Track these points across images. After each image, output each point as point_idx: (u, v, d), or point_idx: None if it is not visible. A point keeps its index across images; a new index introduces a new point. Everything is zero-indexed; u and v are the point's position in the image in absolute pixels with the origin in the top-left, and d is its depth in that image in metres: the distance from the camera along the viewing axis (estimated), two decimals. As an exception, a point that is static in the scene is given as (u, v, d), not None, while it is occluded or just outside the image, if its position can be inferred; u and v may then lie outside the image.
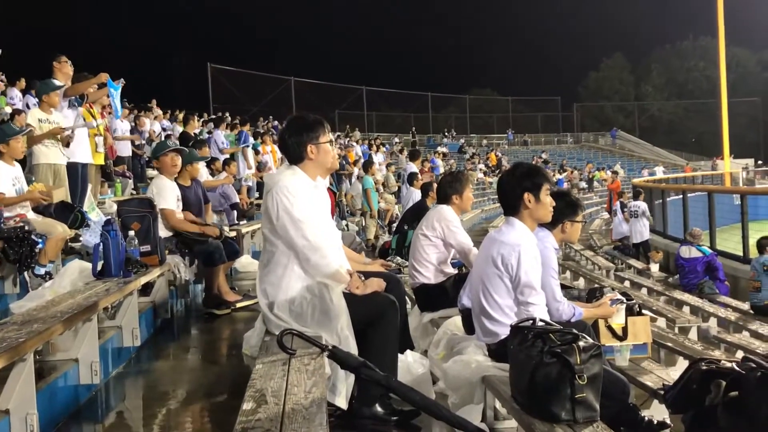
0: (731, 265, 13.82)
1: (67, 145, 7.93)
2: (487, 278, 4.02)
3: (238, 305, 7.32)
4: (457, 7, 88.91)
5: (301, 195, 3.99)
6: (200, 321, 7.22)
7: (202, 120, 20.70)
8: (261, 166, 16.01)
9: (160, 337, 6.47)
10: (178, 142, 8.94)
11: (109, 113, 10.09)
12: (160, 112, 19.91)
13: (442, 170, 27.44)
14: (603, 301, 4.79)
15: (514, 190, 4.07)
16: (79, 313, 4.31)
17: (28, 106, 11.39)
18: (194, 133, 14.47)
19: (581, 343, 3.25)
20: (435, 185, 10.52)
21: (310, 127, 4.12)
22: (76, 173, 8.21)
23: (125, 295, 5.51)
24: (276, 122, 32.23)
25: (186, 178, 7.79)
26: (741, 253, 14.00)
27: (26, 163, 7.64)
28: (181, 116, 20.40)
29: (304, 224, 3.93)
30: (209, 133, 17.22)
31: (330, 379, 3.71)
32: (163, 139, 16.12)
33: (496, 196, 4.44)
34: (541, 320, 3.55)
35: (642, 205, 18.40)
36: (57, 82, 8.10)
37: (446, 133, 54.61)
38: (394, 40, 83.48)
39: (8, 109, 12.11)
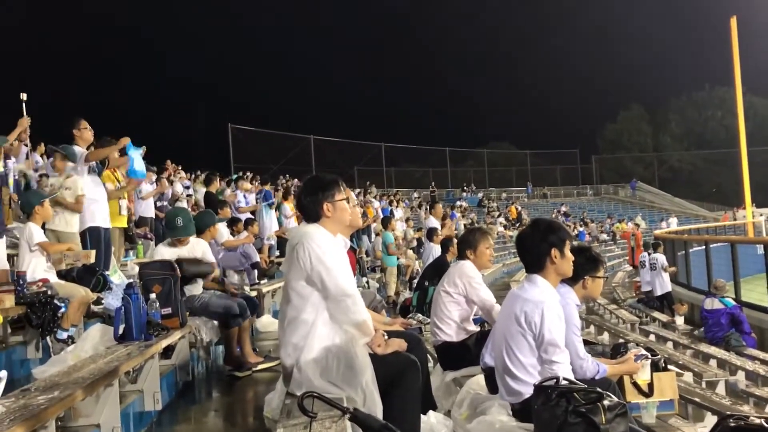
0: (757, 316, 13.62)
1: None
2: (511, 336, 3.99)
3: (260, 367, 7.28)
4: (472, 62, 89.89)
5: (329, 245, 4.04)
6: (221, 383, 7.18)
7: (226, 179, 20.86)
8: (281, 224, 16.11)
9: (181, 401, 6.43)
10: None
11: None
12: (183, 173, 20.13)
13: (462, 225, 27.42)
14: (627, 356, 4.73)
15: (539, 247, 4.07)
16: (100, 378, 4.31)
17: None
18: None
19: (606, 402, 3.21)
20: (455, 240, 10.52)
21: (325, 186, 4.19)
22: (99, 237, 8.28)
23: (146, 359, 5.50)
24: (296, 180, 32.43)
25: (206, 238, 7.83)
26: (767, 304, 13.81)
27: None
28: (202, 177, 20.60)
29: (337, 272, 3.97)
30: (232, 191, 17.36)
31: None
32: (185, 198, 16.31)
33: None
34: (565, 379, 3.51)
35: (660, 257, 18.28)
36: (77, 149, 8.22)
37: (465, 188, 54.68)
38: (411, 97, 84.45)
39: (31, 173, 12.20)
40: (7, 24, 51.70)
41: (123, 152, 9.05)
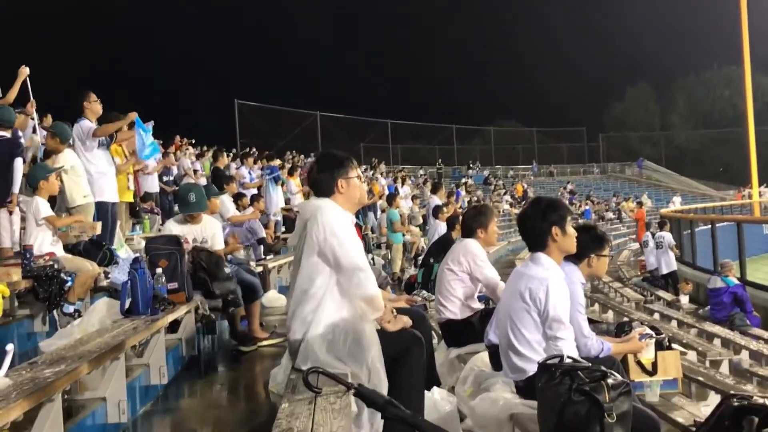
0: (762, 296, 13.64)
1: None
2: (515, 313, 4.01)
3: (265, 343, 7.30)
4: (480, 41, 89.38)
5: (342, 219, 4.06)
6: (227, 358, 7.22)
7: (231, 155, 20.89)
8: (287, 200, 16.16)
9: (187, 375, 6.47)
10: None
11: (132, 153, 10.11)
12: (191, 148, 20.14)
13: (466, 202, 27.40)
14: (632, 335, 4.74)
15: (540, 226, 4.08)
16: (107, 352, 4.34)
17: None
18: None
19: (610, 381, 3.22)
20: (461, 218, 10.51)
21: (340, 163, 4.19)
22: (106, 212, 8.29)
23: (153, 333, 5.53)
24: (302, 156, 32.42)
25: (206, 212, 7.80)
26: (772, 284, 13.83)
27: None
28: (209, 153, 20.65)
29: (350, 245, 3.98)
30: (237, 168, 17.40)
31: (358, 417, 3.69)
32: (192, 174, 16.33)
33: (521, 231, 4.43)
34: (569, 357, 3.52)
35: (667, 235, 18.25)
36: (86, 123, 8.22)
37: (471, 165, 54.48)
38: (418, 73, 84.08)
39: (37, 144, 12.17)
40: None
41: (130, 126, 9.04)
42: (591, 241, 4.70)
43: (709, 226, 18.51)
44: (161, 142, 15.11)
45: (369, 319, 3.98)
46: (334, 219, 3.99)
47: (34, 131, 10.24)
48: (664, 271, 18.04)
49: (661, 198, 51.49)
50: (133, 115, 8.66)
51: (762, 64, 57.64)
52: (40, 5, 58.64)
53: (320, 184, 4.19)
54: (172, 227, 7.28)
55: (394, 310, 4.18)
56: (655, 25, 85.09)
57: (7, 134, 7.65)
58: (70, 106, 8.57)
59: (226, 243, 8.03)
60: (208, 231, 7.28)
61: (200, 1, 75.91)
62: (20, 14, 54.21)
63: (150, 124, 9.21)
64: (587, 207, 42.38)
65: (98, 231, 7.49)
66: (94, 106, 8.38)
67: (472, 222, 6.26)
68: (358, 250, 4.06)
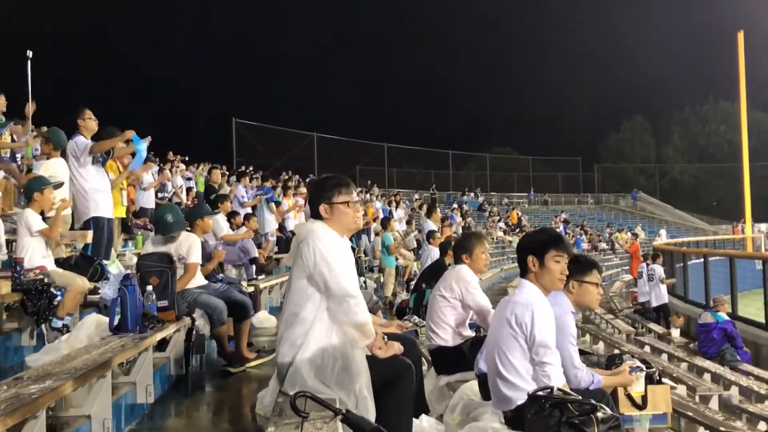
0: (752, 332, 13.61)
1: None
2: (502, 340, 4.00)
3: (253, 363, 7.24)
4: (479, 66, 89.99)
5: (334, 244, 4.03)
6: (214, 378, 7.15)
7: (227, 174, 20.85)
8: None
9: (173, 394, 6.41)
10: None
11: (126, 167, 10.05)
12: (183, 165, 20.09)
13: (460, 228, 27.39)
14: (622, 368, 4.71)
15: (521, 252, 4.16)
16: (93, 369, 4.30)
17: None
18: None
19: (600, 414, 3.21)
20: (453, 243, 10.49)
21: (326, 188, 4.18)
22: (102, 227, 8.25)
23: (140, 351, 5.48)
24: (297, 176, 32.39)
25: (197, 233, 7.74)
26: (763, 320, 13.79)
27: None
28: (202, 169, 20.63)
29: (340, 272, 3.95)
30: (230, 185, 17.37)
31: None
32: (185, 191, 16.32)
33: (515, 256, 4.45)
34: (559, 389, 3.50)
35: (657, 268, 18.27)
36: (81, 139, 8.20)
37: (467, 192, 54.50)
38: (415, 98, 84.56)
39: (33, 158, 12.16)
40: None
41: (127, 142, 9.03)
42: (570, 265, 4.63)
43: (702, 259, 18.52)
44: (158, 162, 15.10)
45: (359, 345, 3.95)
46: (325, 244, 3.97)
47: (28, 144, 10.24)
48: (655, 303, 18.05)
49: (654, 230, 51.51)
50: (130, 133, 8.60)
51: (758, 100, 58.10)
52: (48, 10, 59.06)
53: (311, 206, 4.23)
54: (148, 248, 7.22)
55: (385, 336, 4.16)
56: (653, 58, 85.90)
57: None
58: (65, 112, 8.58)
59: (212, 256, 7.97)
60: (183, 247, 7.14)
61: (198, 25, 76.58)
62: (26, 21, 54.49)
63: (146, 140, 9.18)
64: (580, 236, 42.43)
65: (89, 240, 7.45)
66: (89, 123, 8.36)
67: (457, 248, 6.28)
68: (351, 275, 4.04)
